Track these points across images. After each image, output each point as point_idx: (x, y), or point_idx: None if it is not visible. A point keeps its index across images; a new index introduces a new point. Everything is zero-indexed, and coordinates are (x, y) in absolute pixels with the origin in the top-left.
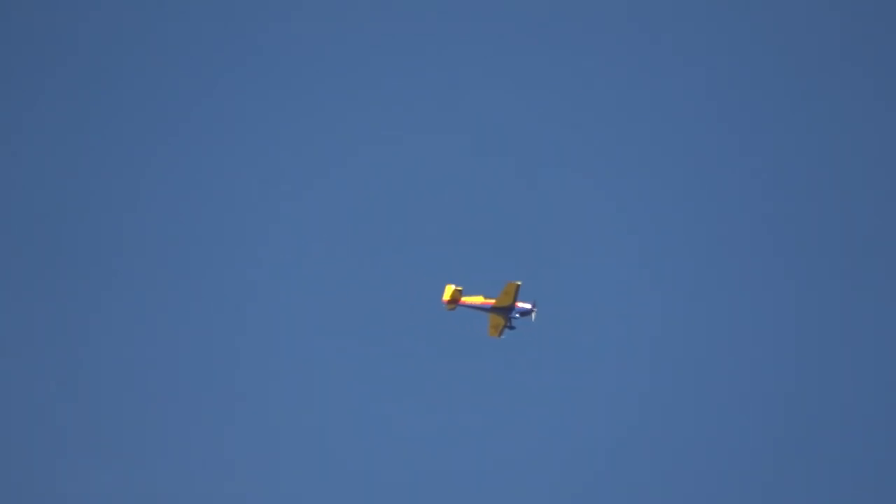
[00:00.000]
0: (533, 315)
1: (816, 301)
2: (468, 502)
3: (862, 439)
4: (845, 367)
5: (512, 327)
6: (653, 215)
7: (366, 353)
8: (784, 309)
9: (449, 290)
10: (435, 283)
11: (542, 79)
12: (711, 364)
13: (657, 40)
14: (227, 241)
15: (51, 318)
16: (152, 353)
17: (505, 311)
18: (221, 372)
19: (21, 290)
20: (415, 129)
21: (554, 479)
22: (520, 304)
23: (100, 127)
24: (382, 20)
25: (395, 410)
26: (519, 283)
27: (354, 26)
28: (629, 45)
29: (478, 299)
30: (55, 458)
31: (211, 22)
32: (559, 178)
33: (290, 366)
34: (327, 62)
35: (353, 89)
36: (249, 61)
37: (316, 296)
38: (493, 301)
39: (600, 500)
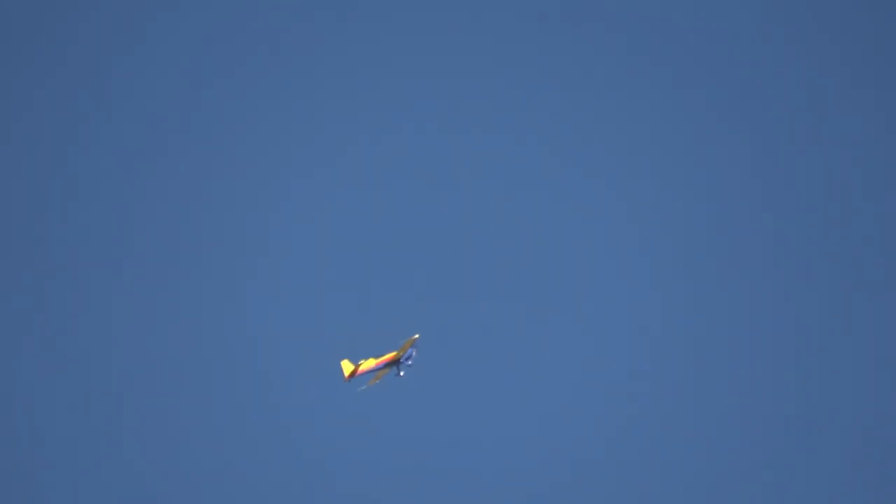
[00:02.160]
0: (413, 354)
1: (817, 300)
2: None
3: (862, 439)
4: (845, 366)
5: (400, 374)
6: (656, 214)
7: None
8: (788, 309)
9: (347, 366)
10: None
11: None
12: (711, 365)
13: (659, 41)
14: (217, 237)
15: (50, 317)
16: (150, 350)
17: (397, 361)
18: (212, 370)
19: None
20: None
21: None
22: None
23: (98, 127)
24: (382, 20)
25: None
26: (417, 335)
27: (353, 26)
28: (632, 46)
29: (370, 363)
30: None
31: (208, 19)
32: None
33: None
34: (327, 62)
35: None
36: (249, 60)
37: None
38: (388, 357)
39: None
